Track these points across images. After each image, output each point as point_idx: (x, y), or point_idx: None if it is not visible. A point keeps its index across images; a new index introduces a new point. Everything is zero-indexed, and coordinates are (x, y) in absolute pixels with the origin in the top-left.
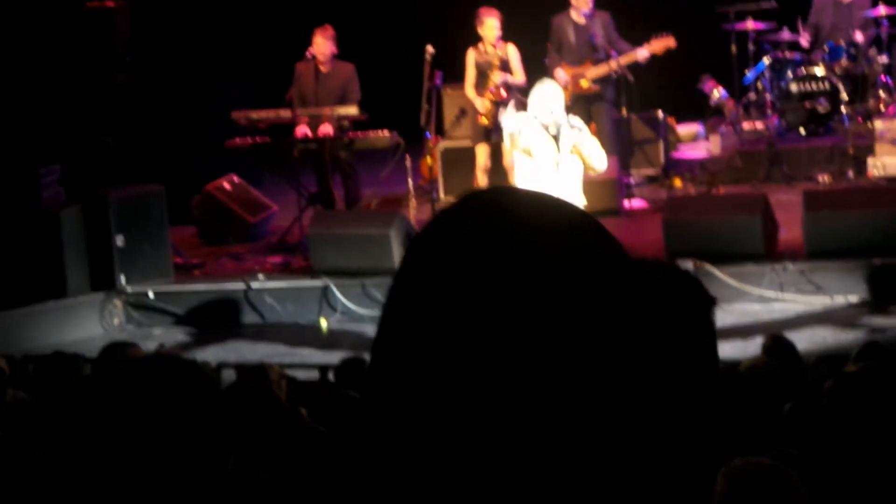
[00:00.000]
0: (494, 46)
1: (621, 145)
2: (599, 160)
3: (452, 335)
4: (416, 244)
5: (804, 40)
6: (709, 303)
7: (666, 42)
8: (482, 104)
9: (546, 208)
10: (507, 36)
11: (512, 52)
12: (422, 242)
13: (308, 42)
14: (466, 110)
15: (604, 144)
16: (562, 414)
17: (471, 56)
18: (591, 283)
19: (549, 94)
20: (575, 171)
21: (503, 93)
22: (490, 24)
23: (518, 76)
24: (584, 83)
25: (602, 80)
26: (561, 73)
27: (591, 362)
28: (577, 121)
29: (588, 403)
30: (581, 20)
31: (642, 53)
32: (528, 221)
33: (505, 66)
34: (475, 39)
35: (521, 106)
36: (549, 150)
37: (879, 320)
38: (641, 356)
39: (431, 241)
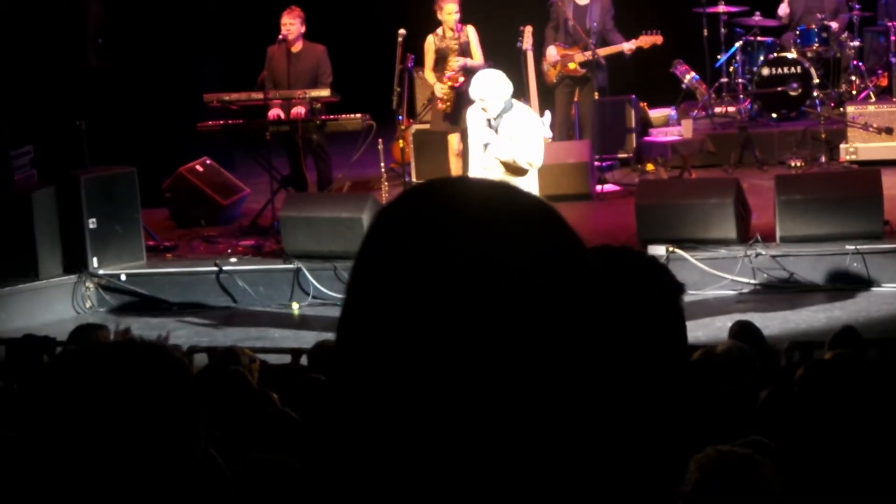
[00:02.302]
0: (453, 31)
1: (593, 130)
2: (524, 159)
3: (407, 325)
4: (371, 233)
5: (783, 12)
6: (676, 289)
7: (654, 39)
8: (440, 89)
9: (496, 197)
10: (471, 19)
11: (472, 35)
12: (376, 232)
13: (279, 25)
14: (434, 94)
15: (584, 127)
16: (515, 398)
17: (430, 41)
18: (539, 269)
19: (477, 86)
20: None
21: (461, 78)
22: (449, 9)
23: (477, 58)
24: (572, 65)
25: (589, 65)
26: (552, 49)
27: (542, 348)
28: (519, 117)
29: (543, 389)
30: (582, 2)
31: (627, 47)
32: (477, 211)
33: (464, 50)
34: (438, 24)
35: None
36: (479, 136)
37: (852, 306)
38: (597, 341)
39: (385, 231)
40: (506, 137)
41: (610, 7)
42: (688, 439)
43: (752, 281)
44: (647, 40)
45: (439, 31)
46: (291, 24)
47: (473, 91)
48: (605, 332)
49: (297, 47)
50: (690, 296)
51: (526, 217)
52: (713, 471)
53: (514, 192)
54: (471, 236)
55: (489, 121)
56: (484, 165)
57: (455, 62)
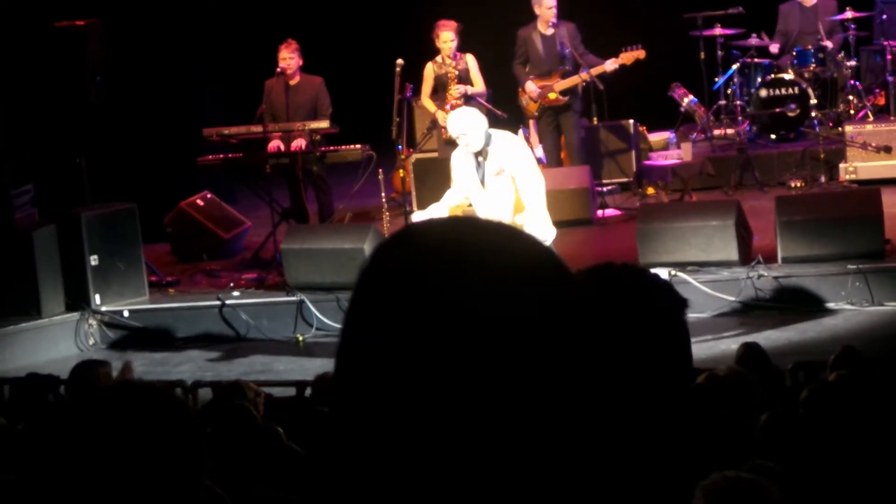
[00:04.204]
0: (452, 59)
1: (593, 155)
2: (539, 189)
3: (402, 360)
4: (367, 272)
5: (774, 48)
6: (680, 305)
7: (636, 54)
8: (442, 117)
9: (489, 237)
10: (471, 47)
11: (471, 63)
12: (371, 271)
13: (276, 59)
14: (437, 122)
15: (573, 155)
16: (510, 430)
17: (429, 68)
18: (532, 309)
19: (455, 124)
20: (503, 194)
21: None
22: (444, 38)
23: (478, 86)
24: (553, 95)
25: (570, 92)
26: (531, 85)
27: (536, 382)
28: (506, 145)
29: (537, 423)
30: (548, 31)
31: (611, 65)
32: (470, 251)
33: (464, 78)
34: (437, 52)
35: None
36: (473, 176)
37: (854, 326)
38: (594, 376)
39: (380, 271)
40: (496, 168)
41: (576, 32)
42: (693, 465)
43: (755, 302)
44: (629, 56)
45: (438, 58)
46: (290, 59)
47: (452, 130)
48: (602, 368)
49: (294, 80)
50: (693, 318)
51: (520, 259)
52: (719, 497)
53: (509, 233)
54: (462, 276)
55: (476, 156)
56: (484, 211)
57: (456, 90)
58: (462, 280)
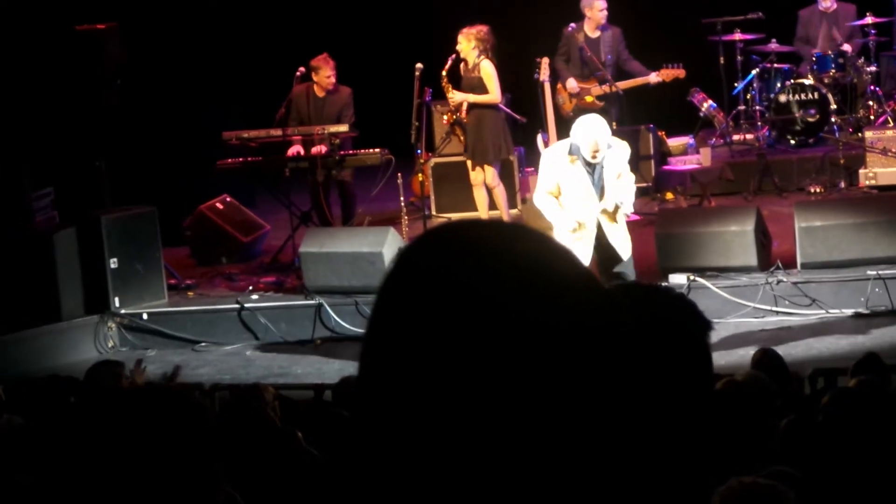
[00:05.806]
0: (467, 64)
1: None
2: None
3: (426, 367)
4: (391, 276)
5: (808, 50)
6: (704, 327)
7: (676, 73)
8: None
9: (512, 243)
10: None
11: (484, 71)
12: (395, 275)
13: (297, 61)
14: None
15: None
16: (537, 439)
17: (461, 68)
18: (559, 316)
19: (599, 136)
20: (616, 199)
21: (455, 115)
22: (459, 41)
23: (492, 93)
24: (589, 98)
25: (606, 97)
26: (573, 81)
27: (561, 390)
28: (623, 147)
29: (564, 429)
30: (594, 34)
31: (654, 79)
32: (495, 257)
33: (476, 85)
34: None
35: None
36: (587, 187)
37: (875, 332)
38: (619, 385)
39: (404, 275)
40: (616, 172)
41: (621, 37)
42: (711, 470)
43: (774, 308)
44: (669, 74)
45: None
46: (334, 75)
47: (596, 140)
48: (629, 377)
49: (323, 91)
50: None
51: (557, 266)
52: (736, 503)
53: (541, 239)
54: (487, 281)
55: (591, 165)
56: (600, 221)
57: (451, 98)
58: (498, 283)
